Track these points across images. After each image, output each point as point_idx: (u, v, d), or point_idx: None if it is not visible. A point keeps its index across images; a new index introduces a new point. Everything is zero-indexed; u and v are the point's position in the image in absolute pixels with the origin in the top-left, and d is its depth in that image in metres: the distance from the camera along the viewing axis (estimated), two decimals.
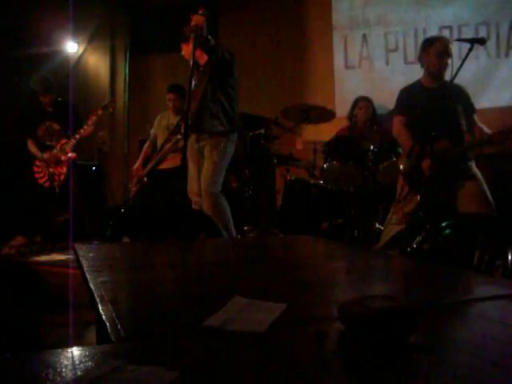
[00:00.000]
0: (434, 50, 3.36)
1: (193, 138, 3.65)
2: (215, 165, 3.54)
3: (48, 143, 4.77)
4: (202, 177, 3.58)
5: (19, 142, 4.87)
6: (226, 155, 3.59)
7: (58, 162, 4.71)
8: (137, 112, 6.48)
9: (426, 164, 3.18)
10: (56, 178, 4.73)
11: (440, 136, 3.13)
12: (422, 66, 3.50)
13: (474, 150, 3.39)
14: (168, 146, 4.56)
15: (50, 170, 4.73)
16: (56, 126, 4.77)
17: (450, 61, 3.29)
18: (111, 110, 4.92)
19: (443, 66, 3.35)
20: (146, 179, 4.65)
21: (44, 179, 4.75)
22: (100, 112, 4.74)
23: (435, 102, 3.29)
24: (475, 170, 3.35)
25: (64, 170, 4.72)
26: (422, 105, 3.36)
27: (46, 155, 4.72)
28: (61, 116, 4.72)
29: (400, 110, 3.53)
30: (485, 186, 3.28)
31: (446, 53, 3.33)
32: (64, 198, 4.64)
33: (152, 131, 4.95)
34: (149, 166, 4.67)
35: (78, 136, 4.65)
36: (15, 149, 5.04)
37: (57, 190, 4.71)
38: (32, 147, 4.79)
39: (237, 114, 3.69)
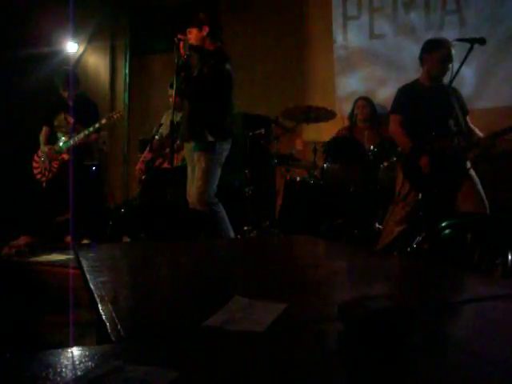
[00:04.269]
0: (438, 56, 3.34)
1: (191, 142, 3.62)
2: (203, 173, 3.46)
3: (59, 135, 4.79)
4: (194, 185, 3.52)
5: (30, 135, 4.91)
6: (214, 165, 3.49)
7: (51, 159, 4.74)
8: (137, 112, 6.49)
9: (423, 161, 3.20)
10: (46, 173, 4.76)
11: (439, 134, 3.14)
12: (422, 65, 3.48)
13: (470, 151, 3.40)
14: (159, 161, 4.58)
15: (46, 164, 4.77)
16: (71, 120, 4.77)
17: (450, 65, 3.30)
18: (118, 115, 4.81)
19: (445, 71, 3.36)
20: (143, 177, 4.61)
21: (37, 171, 4.80)
22: (104, 122, 4.70)
23: (435, 101, 3.31)
24: (471, 170, 3.36)
25: (55, 167, 4.74)
26: (421, 103, 3.36)
27: (46, 148, 4.75)
28: (79, 111, 4.72)
29: (397, 108, 3.51)
30: (480, 187, 3.30)
31: (449, 58, 3.32)
32: (56, 196, 4.66)
33: (160, 130, 4.81)
34: (157, 162, 4.66)
35: (76, 140, 4.64)
36: (21, 147, 5.08)
37: (43, 185, 4.74)
38: (43, 136, 4.83)
39: (229, 121, 3.58)
